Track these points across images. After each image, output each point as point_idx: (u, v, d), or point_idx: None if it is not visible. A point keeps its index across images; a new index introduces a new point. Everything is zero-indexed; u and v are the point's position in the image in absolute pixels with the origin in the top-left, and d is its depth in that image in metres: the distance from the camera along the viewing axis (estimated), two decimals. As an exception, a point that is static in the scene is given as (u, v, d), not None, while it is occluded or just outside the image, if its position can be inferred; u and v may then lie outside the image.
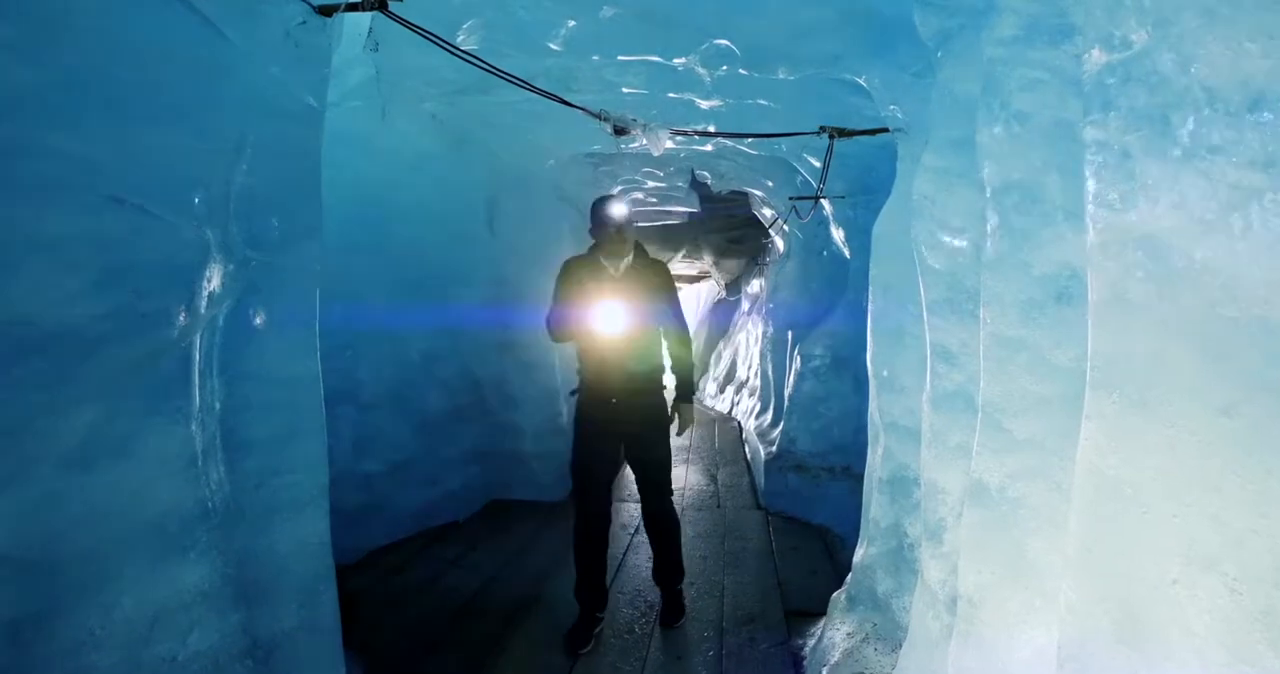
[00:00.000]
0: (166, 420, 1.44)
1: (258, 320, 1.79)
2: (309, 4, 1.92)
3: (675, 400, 2.98)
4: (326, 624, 1.93)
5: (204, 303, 1.55)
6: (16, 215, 1.16)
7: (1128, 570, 0.97)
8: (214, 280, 1.59)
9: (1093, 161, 1.06)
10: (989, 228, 1.56)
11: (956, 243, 1.93)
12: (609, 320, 2.74)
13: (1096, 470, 1.03)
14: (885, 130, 2.84)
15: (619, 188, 6.92)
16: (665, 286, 2.91)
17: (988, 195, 1.57)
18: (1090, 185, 1.06)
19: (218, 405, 1.65)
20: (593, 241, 2.90)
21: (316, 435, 1.95)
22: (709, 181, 6.31)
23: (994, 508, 1.49)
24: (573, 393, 2.95)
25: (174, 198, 1.45)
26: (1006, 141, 1.49)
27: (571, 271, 2.86)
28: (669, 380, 3.02)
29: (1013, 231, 1.49)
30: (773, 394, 6.05)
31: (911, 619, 2.01)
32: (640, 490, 3.00)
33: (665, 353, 2.97)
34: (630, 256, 2.86)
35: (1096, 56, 1.08)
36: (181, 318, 1.46)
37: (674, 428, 2.98)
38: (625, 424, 2.83)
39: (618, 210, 2.81)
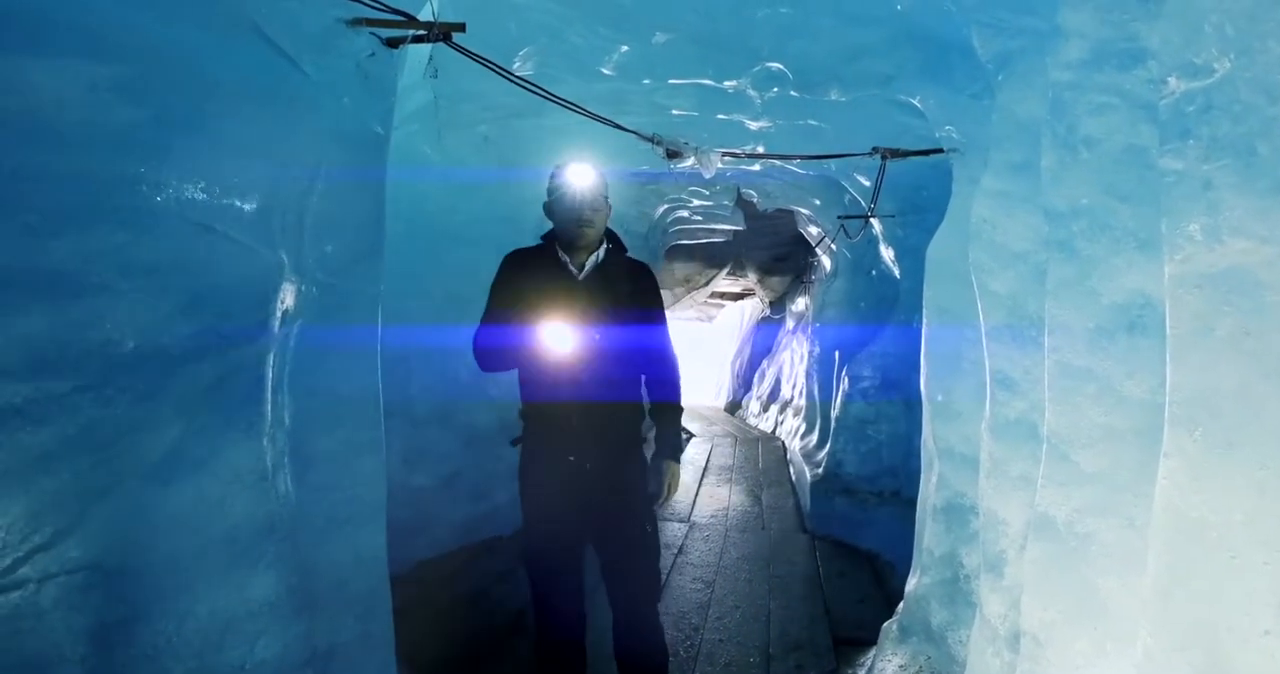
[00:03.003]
0: (242, 436, 1.51)
1: (324, 339, 1.85)
2: (378, 37, 2.01)
3: (655, 456, 2.11)
4: (381, 637, 1.97)
5: (278, 323, 1.62)
6: (116, 243, 1.24)
7: (1213, 618, 0.93)
8: (288, 301, 1.66)
9: (1171, 191, 1.03)
10: (1054, 254, 1.52)
11: (1018, 267, 1.88)
12: (567, 344, 1.89)
13: (1177, 511, 0.99)
14: (940, 151, 2.81)
15: (664, 206, 6.97)
16: (649, 298, 2.08)
17: (1053, 220, 1.53)
18: (1169, 215, 1.03)
19: (287, 421, 1.71)
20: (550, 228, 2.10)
21: (376, 451, 2.00)
22: (755, 200, 6.31)
23: (1061, 543, 1.44)
24: (514, 442, 2.08)
25: (255, 224, 1.53)
26: (1074, 167, 1.46)
27: (515, 270, 2.03)
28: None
29: (1080, 258, 1.46)
30: (819, 415, 5.97)
31: (969, 654, 1.95)
32: (609, 589, 2.06)
33: (645, 385, 2.16)
34: (600, 251, 2.04)
35: (1174, 84, 1.05)
36: (258, 338, 1.53)
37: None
38: (591, 491, 1.97)
39: (581, 179, 1.98)
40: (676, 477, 2.12)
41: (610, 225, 2.16)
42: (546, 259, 2.03)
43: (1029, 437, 1.77)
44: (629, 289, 2.04)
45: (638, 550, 2.03)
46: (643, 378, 2.12)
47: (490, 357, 1.99)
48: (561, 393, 1.94)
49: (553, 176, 2.04)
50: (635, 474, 2.04)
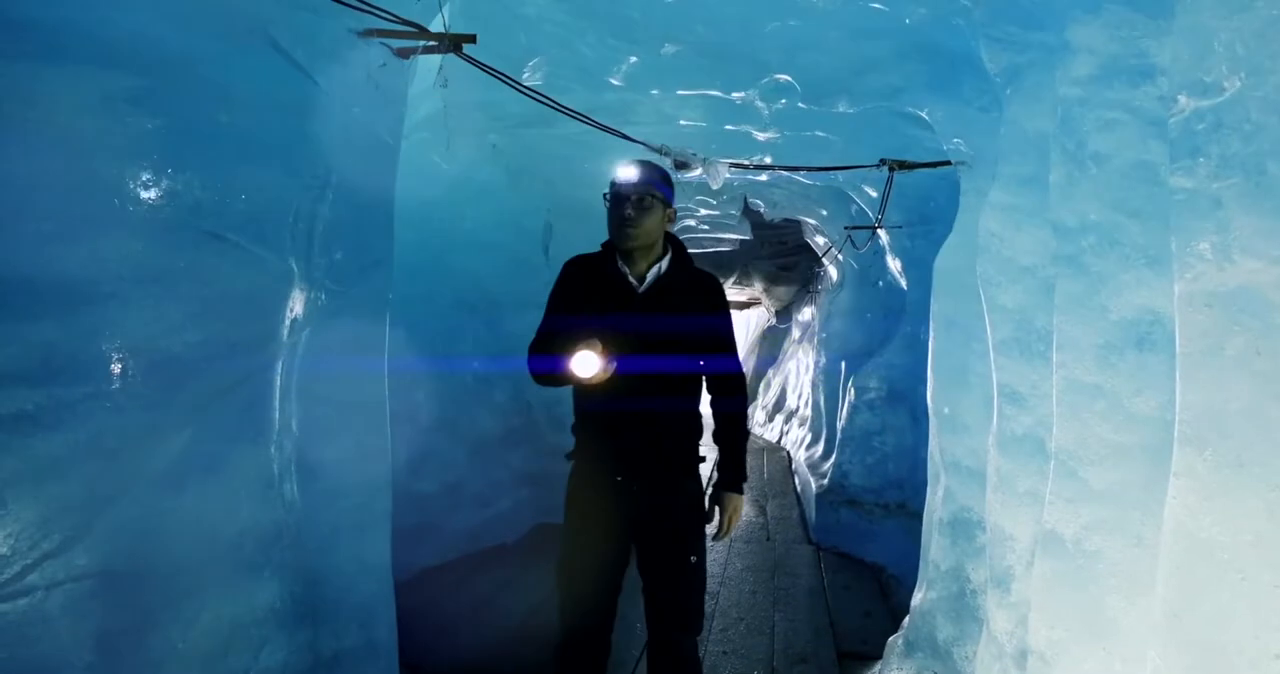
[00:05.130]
0: (249, 443, 1.52)
1: (332, 347, 1.86)
2: (389, 48, 2.03)
3: (717, 487, 1.92)
4: (384, 645, 1.97)
5: (287, 331, 1.64)
6: (128, 251, 1.26)
7: (1223, 640, 0.92)
8: (296, 309, 1.67)
9: (1181, 209, 1.03)
10: (1062, 269, 1.52)
11: (1026, 282, 1.88)
12: (623, 362, 1.68)
13: (1186, 531, 0.98)
14: (947, 163, 2.81)
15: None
16: (715, 315, 1.88)
17: (1061, 235, 1.53)
18: (1178, 233, 1.03)
19: (294, 428, 1.72)
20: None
21: (381, 459, 2.01)
22: (762, 209, 6.32)
23: (1069, 560, 1.43)
24: (568, 456, 1.93)
25: (265, 233, 1.54)
26: (1082, 182, 1.46)
27: (574, 278, 1.87)
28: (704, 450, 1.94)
29: (1088, 274, 1.45)
30: (824, 425, 5.94)
31: (976, 671, 1.93)
32: (648, 616, 1.88)
33: (709, 411, 1.95)
34: (664, 262, 1.84)
35: (1184, 101, 1.05)
36: (267, 345, 1.54)
37: (711, 528, 1.91)
38: (637, 515, 1.83)
39: (626, 173, 1.78)
40: (738, 511, 1.93)
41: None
42: (606, 268, 1.83)
43: (1036, 452, 1.76)
44: (694, 305, 1.83)
45: (678, 582, 1.85)
46: (705, 400, 1.96)
47: (544, 372, 1.79)
48: (613, 412, 1.80)
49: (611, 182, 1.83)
50: (685, 500, 1.88)
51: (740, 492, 1.92)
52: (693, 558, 1.85)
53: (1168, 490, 1.03)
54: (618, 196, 1.78)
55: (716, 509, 1.91)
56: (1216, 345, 0.96)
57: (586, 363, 1.57)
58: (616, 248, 1.82)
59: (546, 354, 1.74)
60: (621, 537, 1.84)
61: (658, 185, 1.79)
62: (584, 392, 1.84)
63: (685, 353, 1.83)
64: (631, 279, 1.82)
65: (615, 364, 1.62)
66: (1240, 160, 0.95)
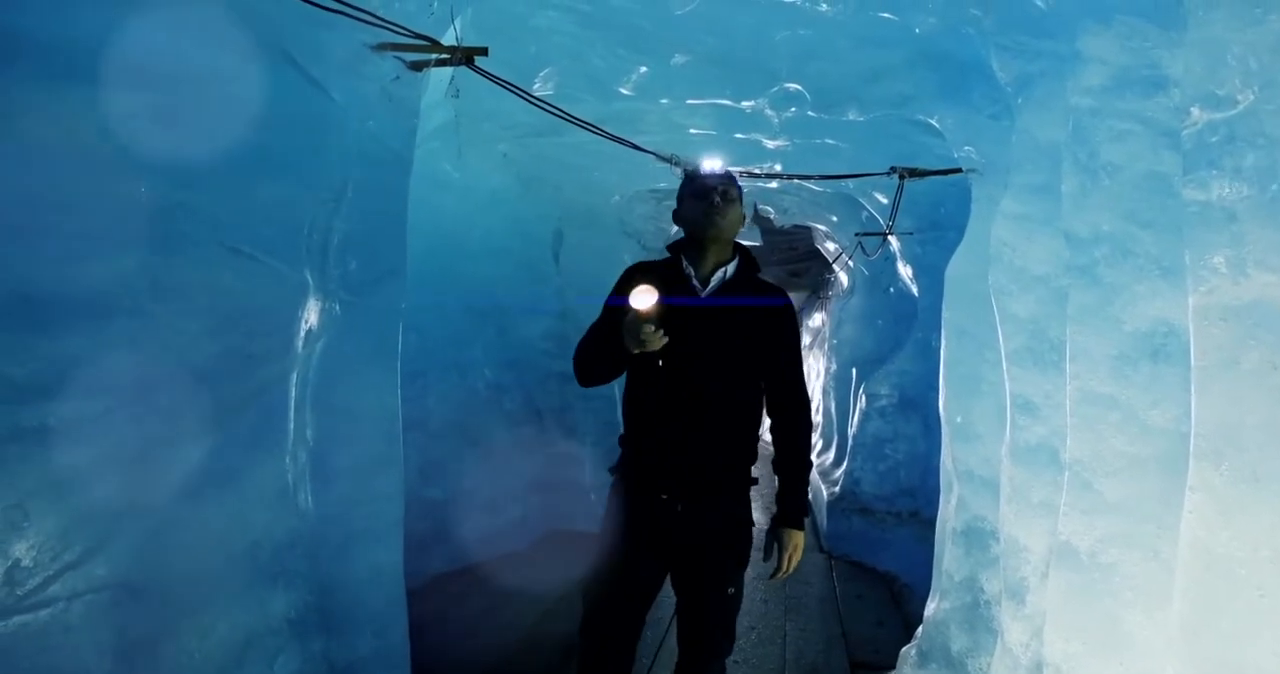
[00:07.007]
0: (265, 453, 1.54)
1: (346, 357, 1.88)
2: (403, 61, 2.05)
3: (776, 522, 1.78)
4: (397, 653, 1.98)
5: (302, 342, 1.66)
6: (149, 266, 1.28)
7: (1242, 657, 0.91)
8: (311, 320, 1.69)
9: (1194, 222, 1.02)
10: (1075, 279, 1.51)
11: (1038, 291, 1.87)
12: (677, 370, 1.67)
13: (1203, 546, 0.97)
14: (958, 171, 2.80)
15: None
16: (782, 328, 1.80)
17: (1074, 246, 1.53)
18: (1192, 246, 1.02)
19: (309, 437, 1.74)
20: (678, 242, 1.86)
21: (394, 467, 2.02)
22: (772, 215, 6.32)
23: (1084, 573, 1.42)
24: (611, 470, 1.86)
25: (282, 246, 1.57)
26: (1095, 192, 1.46)
27: (634, 281, 1.71)
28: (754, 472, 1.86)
29: (1101, 284, 1.45)
30: (835, 432, 5.92)
31: (990, 683, 1.91)
32: (679, 637, 1.83)
33: (770, 434, 1.86)
34: (730, 267, 1.78)
35: (1196, 113, 1.05)
36: (283, 357, 1.56)
37: (761, 563, 1.82)
38: (678, 537, 1.73)
39: (714, 165, 1.85)
40: (799, 549, 1.77)
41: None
42: (670, 271, 1.77)
43: (1050, 462, 1.75)
44: (759, 315, 1.76)
45: (712, 612, 1.78)
46: (765, 422, 1.86)
47: (583, 369, 1.76)
48: (665, 424, 1.72)
49: (683, 178, 1.87)
50: (728, 527, 1.77)
51: (801, 527, 1.78)
52: (730, 590, 1.77)
53: (1184, 504, 1.03)
54: (704, 187, 1.76)
55: (775, 546, 1.78)
56: (1232, 359, 0.95)
57: (644, 296, 1.50)
58: (692, 242, 1.79)
59: (600, 353, 1.70)
60: (657, 558, 1.76)
61: (736, 184, 1.82)
62: (637, 400, 1.78)
63: (745, 366, 1.74)
64: (695, 281, 1.76)
65: (663, 334, 1.56)
66: (1254, 173, 0.94)
